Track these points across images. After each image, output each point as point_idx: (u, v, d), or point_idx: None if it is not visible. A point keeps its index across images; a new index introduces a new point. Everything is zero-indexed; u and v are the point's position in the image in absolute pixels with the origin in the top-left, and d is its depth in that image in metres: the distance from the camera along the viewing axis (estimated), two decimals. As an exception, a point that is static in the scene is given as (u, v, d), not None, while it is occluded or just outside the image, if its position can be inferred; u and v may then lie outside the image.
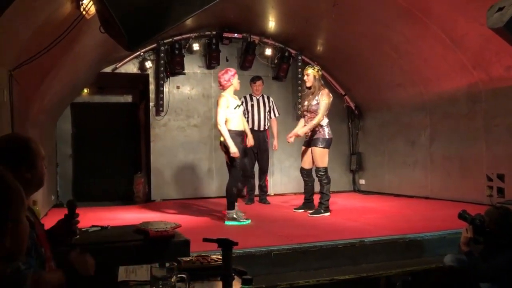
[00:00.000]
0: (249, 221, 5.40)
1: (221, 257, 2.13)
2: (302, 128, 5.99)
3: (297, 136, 6.04)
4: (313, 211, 5.84)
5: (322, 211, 5.75)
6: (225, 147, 5.40)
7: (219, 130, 5.37)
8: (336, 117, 8.98)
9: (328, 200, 5.83)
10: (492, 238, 3.18)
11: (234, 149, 5.27)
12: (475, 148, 6.65)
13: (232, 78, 5.47)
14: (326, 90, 5.96)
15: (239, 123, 5.49)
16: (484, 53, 6.11)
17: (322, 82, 6.11)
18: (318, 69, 6.03)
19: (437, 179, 7.36)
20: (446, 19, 6.11)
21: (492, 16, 3.86)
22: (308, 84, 5.95)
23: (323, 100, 5.81)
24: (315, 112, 5.85)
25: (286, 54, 8.54)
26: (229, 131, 5.34)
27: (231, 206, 5.42)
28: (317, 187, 6.10)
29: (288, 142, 6.23)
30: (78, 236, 3.02)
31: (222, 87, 5.54)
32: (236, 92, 5.68)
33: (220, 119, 5.31)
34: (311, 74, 5.91)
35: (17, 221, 1.23)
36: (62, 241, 2.20)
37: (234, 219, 5.36)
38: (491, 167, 6.37)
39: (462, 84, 6.74)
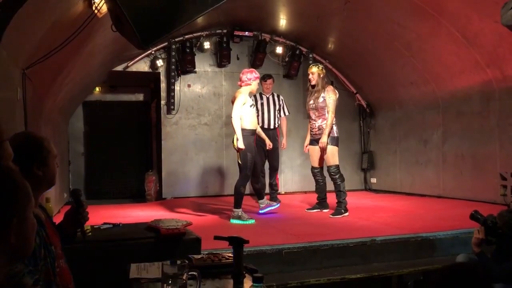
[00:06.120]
0: (253, 221, 5.43)
1: (232, 255, 2.13)
2: (322, 139, 5.77)
3: (323, 147, 5.80)
4: (334, 212, 5.76)
5: (343, 211, 5.70)
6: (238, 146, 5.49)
7: (232, 124, 5.42)
8: (347, 116, 8.97)
9: (345, 198, 5.79)
10: (505, 240, 3.14)
11: (241, 145, 5.36)
12: (488, 147, 6.57)
13: (253, 79, 5.58)
14: (331, 87, 5.98)
15: (253, 121, 5.59)
16: (498, 50, 6.03)
17: (326, 80, 6.11)
18: (322, 67, 6.02)
19: (449, 178, 7.29)
20: (459, 17, 6.04)
21: (506, 14, 3.82)
22: (313, 83, 5.92)
23: (330, 97, 5.78)
24: (322, 109, 5.83)
25: (297, 52, 8.51)
26: (244, 129, 5.43)
27: (237, 205, 5.49)
28: (329, 186, 6.07)
29: (305, 152, 6.32)
30: (89, 230, 3.05)
31: (240, 84, 5.63)
32: None
33: (235, 113, 5.39)
34: (316, 72, 5.88)
35: (23, 217, 1.21)
36: (72, 232, 2.20)
37: (239, 217, 5.43)
38: (505, 166, 6.28)
39: (475, 82, 6.66)
